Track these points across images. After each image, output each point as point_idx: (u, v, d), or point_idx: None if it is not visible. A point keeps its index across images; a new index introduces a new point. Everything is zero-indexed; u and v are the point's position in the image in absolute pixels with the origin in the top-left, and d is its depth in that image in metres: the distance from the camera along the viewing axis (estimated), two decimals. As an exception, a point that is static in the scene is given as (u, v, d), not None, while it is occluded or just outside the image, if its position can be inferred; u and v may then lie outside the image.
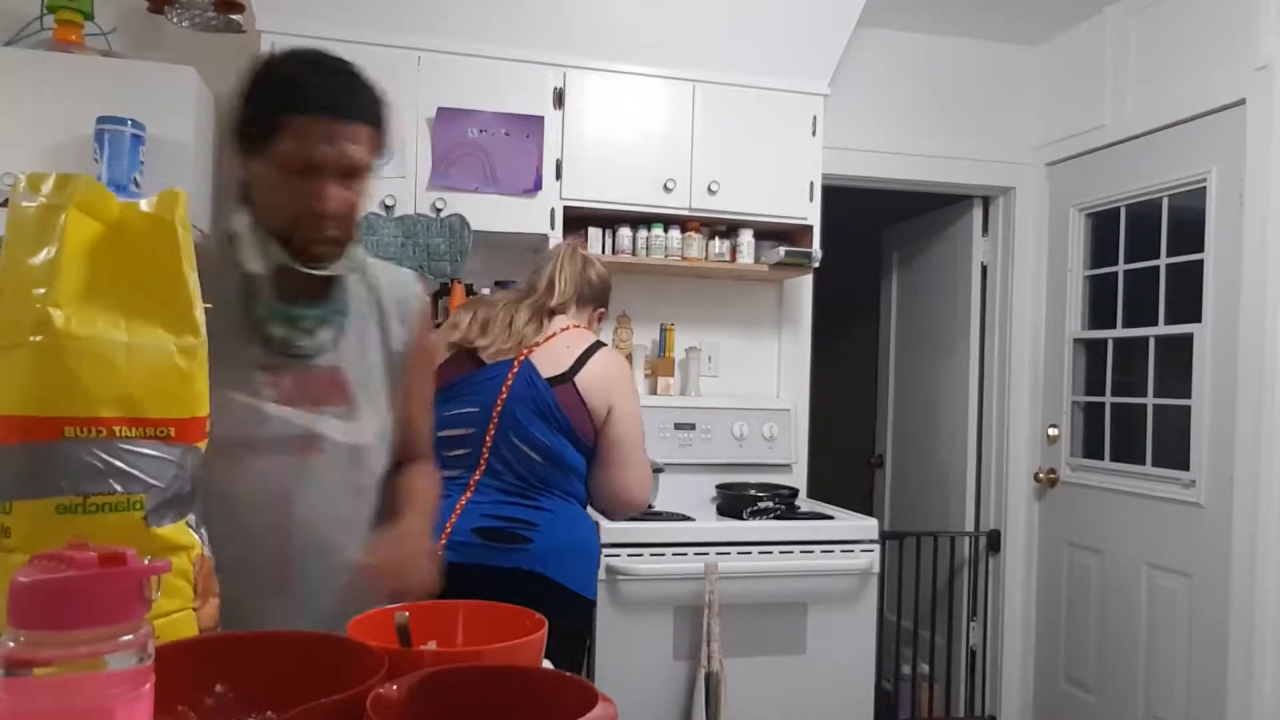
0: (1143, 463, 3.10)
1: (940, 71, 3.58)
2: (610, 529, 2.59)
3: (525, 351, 2.00)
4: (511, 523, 1.92)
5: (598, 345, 2.06)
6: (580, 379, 1.98)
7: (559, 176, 2.87)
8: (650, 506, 2.93)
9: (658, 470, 2.98)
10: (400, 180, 2.74)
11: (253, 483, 1.22)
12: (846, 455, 4.66)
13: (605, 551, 2.58)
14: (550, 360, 1.99)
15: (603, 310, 2.24)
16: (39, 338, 0.77)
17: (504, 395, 1.96)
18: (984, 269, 3.80)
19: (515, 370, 1.98)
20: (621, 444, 2.03)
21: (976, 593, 3.72)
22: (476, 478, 1.96)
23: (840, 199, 3.50)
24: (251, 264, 1.21)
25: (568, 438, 1.98)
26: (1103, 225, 3.39)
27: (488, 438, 1.96)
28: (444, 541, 1.89)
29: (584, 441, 2.00)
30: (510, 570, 1.89)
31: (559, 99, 2.88)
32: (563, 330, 2.06)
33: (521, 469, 1.96)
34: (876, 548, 2.78)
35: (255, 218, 1.23)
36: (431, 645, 0.92)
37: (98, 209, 0.82)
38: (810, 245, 3.10)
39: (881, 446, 4.48)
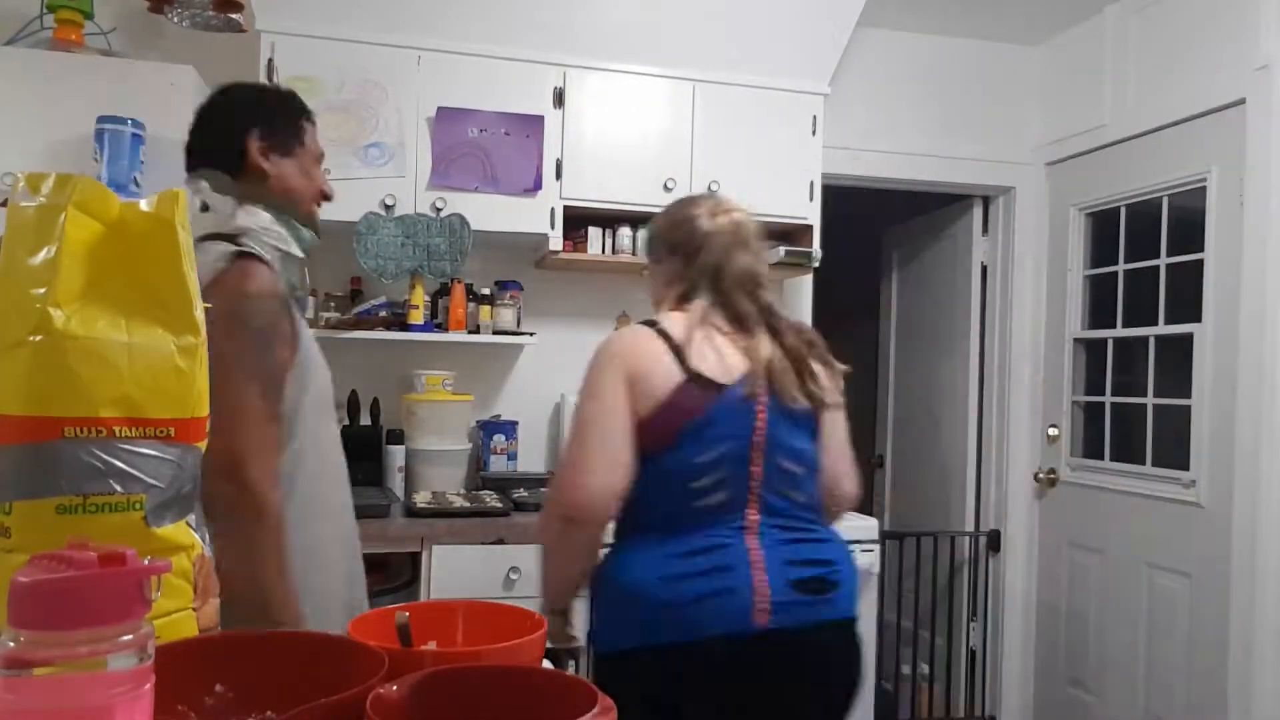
0: (1143, 463, 3.10)
1: (940, 71, 3.57)
2: (611, 529, 2.58)
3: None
4: (819, 565, 1.57)
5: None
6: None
7: (559, 176, 2.87)
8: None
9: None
10: (400, 180, 2.74)
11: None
12: (846, 455, 4.66)
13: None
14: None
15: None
16: (39, 338, 0.77)
17: (761, 416, 1.56)
18: (984, 269, 3.80)
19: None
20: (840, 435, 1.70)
21: (976, 593, 3.72)
22: (753, 517, 1.55)
23: (840, 199, 3.50)
24: (294, 249, 1.47)
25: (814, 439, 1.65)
26: (1103, 225, 3.39)
27: (753, 468, 1.56)
28: (762, 604, 1.49)
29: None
30: (834, 623, 1.58)
31: (559, 99, 2.88)
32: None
33: (792, 493, 1.59)
34: (876, 548, 2.79)
35: (279, 209, 1.47)
36: (431, 645, 0.91)
37: (97, 209, 0.82)
38: (810, 245, 3.10)
39: (881, 446, 4.48)
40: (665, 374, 1.53)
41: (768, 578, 1.49)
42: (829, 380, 1.65)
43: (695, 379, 1.54)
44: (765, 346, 1.58)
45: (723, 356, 1.57)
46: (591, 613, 1.63)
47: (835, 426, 1.70)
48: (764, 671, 1.49)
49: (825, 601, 1.54)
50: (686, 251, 1.66)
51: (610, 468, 1.51)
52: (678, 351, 1.55)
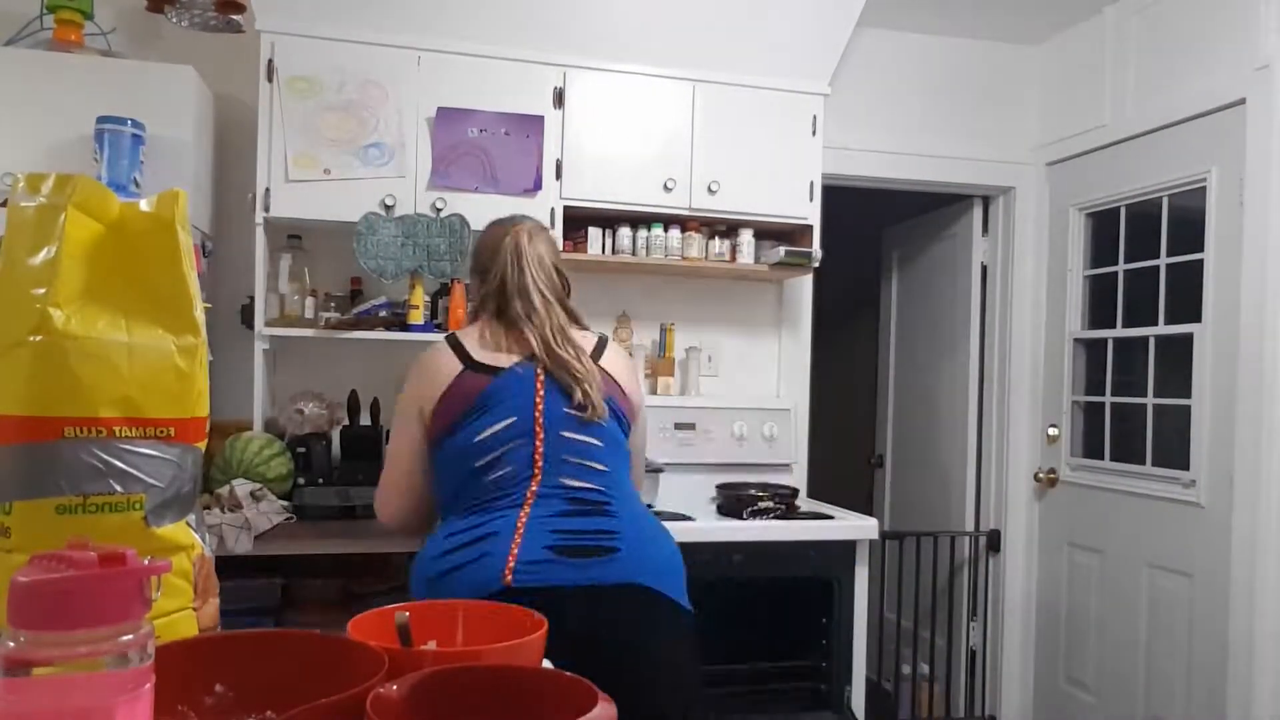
0: (1143, 463, 3.10)
1: (940, 71, 3.57)
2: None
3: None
4: (591, 535, 1.65)
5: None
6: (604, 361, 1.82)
7: (559, 176, 2.87)
8: (650, 506, 2.93)
9: (658, 470, 2.98)
10: (400, 180, 2.74)
11: None
12: (846, 455, 4.66)
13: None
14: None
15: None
16: (39, 338, 0.77)
17: (540, 394, 1.72)
18: (984, 269, 3.80)
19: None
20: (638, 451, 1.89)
21: (976, 593, 3.72)
22: (533, 489, 1.68)
23: (840, 199, 3.50)
24: None
25: (618, 422, 1.78)
26: (1103, 225, 3.39)
27: (537, 443, 1.70)
28: (511, 564, 1.58)
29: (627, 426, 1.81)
30: (607, 586, 1.61)
31: (559, 99, 2.88)
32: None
33: (583, 463, 1.71)
34: (876, 548, 2.78)
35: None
36: (431, 645, 0.92)
37: (97, 209, 0.82)
38: (810, 245, 3.10)
39: (881, 446, 4.48)
40: (447, 368, 1.75)
41: (522, 542, 1.61)
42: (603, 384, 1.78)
43: (472, 365, 1.74)
44: (535, 341, 1.75)
45: (501, 349, 1.76)
46: None
47: (635, 434, 1.86)
48: None
49: (594, 564, 1.61)
50: (479, 272, 1.92)
51: (403, 493, 1.82)
52: (459, 350, 1.77)
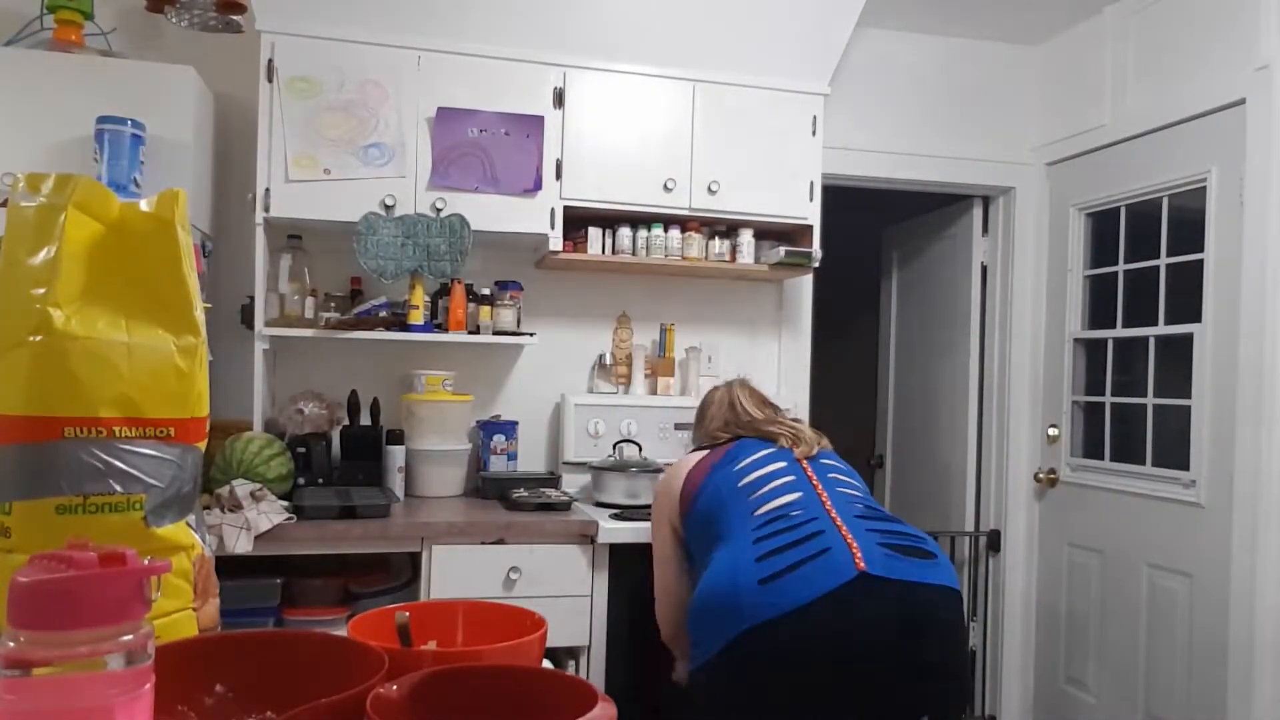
0: (1143, 463, 3.10)
1: (940, 71, 3.57)
2: (610, 529, 2.58)
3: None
4: (908, 536, 1.71)
5: None
6: None
7: (559, 176, 2.87)
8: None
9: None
10: (400, 180, 2.74)
11: None
12: (846, 455, 4.64)
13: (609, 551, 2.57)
14: None
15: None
16: (39, 338, 0.77)
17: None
18: (984, 269, 3.80)
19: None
20: None
21: (976, 593, 3.72)
22: (824, 491, 1.82)
23: (840, 199, 3.50)
24: None
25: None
26: (1103, 225, 3.39)
27: (802, 464, 1.92)
28: (857, 554, 1.59)
29: None
30: (941, 588, 1.64)
31: (559, 99, 2.88)
32: None
33: (851, 492, 1.87)
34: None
35: None
36: (431, 645, 0.92)
37: (97, 209, 0.82)
38: (810, 245, 3.10)
39: (881, 446, 4.48)
40: (689, 461, 2.02)
41: (852, 535, 1.64)
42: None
43: (713, 445, 2.03)
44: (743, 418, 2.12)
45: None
46: (691, 647, 1.73)
47: None
48: (869, 610, 1.55)
49: (925, 566, 1.63)
50: (699, 418, 2.26)
51: (673, 601, 2.01)
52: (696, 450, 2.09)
